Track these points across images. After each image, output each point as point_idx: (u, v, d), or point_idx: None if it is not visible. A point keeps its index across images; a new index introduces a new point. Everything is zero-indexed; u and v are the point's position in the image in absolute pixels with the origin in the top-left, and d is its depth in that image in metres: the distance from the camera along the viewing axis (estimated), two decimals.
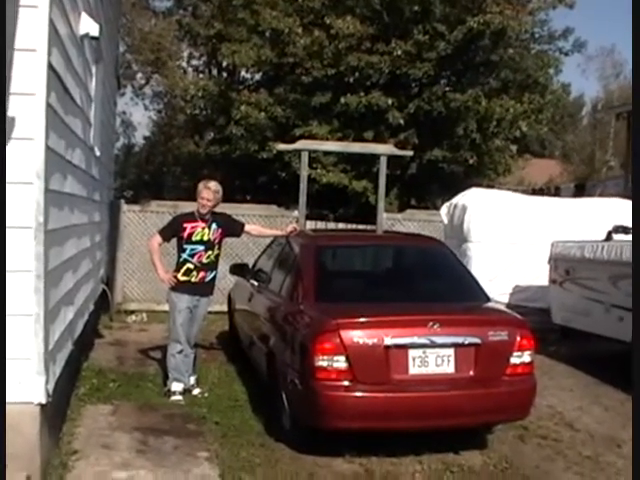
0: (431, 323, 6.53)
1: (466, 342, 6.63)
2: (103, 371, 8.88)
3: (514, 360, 6.77)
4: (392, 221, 14.52)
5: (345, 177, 19.76)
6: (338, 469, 6.45)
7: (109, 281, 12.87)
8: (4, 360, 4.86)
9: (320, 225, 14.58)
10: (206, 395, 8.27)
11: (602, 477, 6.64)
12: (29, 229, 5.05)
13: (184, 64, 29.49)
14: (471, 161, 20.36)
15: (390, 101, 19.19)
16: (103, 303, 11.61)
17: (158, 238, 8.38)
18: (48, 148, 5.24)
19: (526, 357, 6.85)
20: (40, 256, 5.13)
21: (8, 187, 4.94)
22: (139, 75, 30.14)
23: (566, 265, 11.19)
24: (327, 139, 18.83)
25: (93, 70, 8.68)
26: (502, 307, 8.24)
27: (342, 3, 19.76)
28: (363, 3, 19.52)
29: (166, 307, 10.85)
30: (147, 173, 31.88)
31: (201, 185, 8.35)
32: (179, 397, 8.08)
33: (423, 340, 6.52)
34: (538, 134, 24.06)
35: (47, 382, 5.30)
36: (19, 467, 5.07)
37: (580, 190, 24.82)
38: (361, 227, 13.47)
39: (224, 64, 26.02)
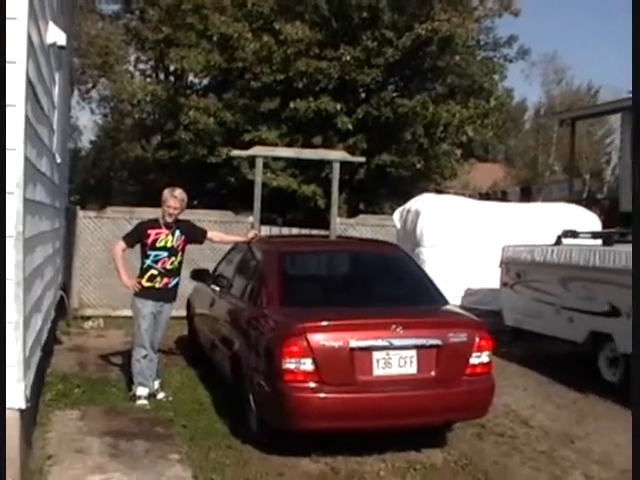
0: (394, 326, 6.77)
1: (427, 344, 6.89)
2: (67, 377, 8.96)
3: (473, 360, 7.04)
4: (345, 226, 14.78)
5: (294, 181, 20.06)
6: (305, 469, 6.65)
7: (66, 287, 12.90)
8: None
9: (275, 230, 14.76)
10: (170, 399, 8.40)
11: (557, 470, 6.93)
12: (10, 238, 5.17)
13: (131, 68, 29.48)
14: (418, 165, 20.81)
15: (339, 106, 19.54)
16: (60, 309, 11.65)
17: (122, 244, 8.49)
18: (26, 158, 5.36)
19: (484, 357, 7.12)
20: (19, 264, 5.25)
21: None
22: (86, 79, 29.95)
23: (517, 268, 11.58)
24: (276, 144, 19.10)
25: (56, 78, 8.77)
26: (460, 310, 8.52)
27: (291, 9, 20.06)
28: (312, 9, 19.80)
29: (123, 313, 11.02)
30: (93, 177, 31.67)
31: (167, 193, 8.46)
32: (145, 401, 8.21)
33: (386, 342, 6.76)
34: (483, 138, 24.57)
35: (25, 388, 5.43)
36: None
37: (526, 194, 25.42)
38: (315, 232, 13.69)
39: (172, 68, 26.05)
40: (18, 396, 5.32)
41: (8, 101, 5.11)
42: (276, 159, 18.75)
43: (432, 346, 6.90)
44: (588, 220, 13.05)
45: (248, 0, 20.33)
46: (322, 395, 6.59)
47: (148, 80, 28.11)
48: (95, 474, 6.01)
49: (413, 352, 6.85)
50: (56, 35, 7.24)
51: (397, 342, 6.78)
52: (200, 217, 13.49)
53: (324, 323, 6.78)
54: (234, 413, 7.71)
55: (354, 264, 8.90)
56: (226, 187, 21.50)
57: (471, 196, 26.62)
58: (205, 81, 24.42)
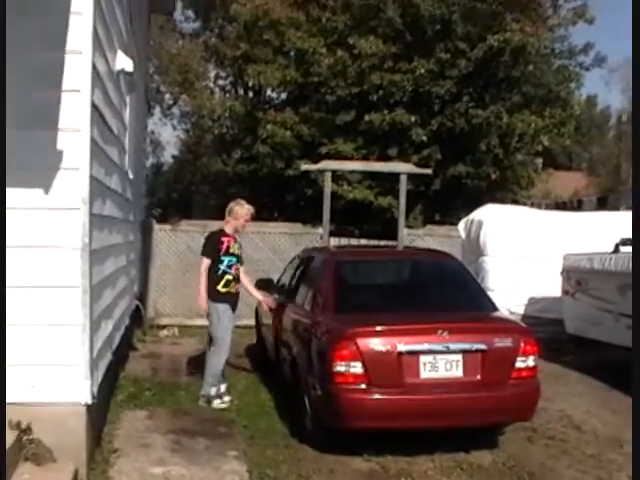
0: (440, 331, 7.21)
1: (473, 348, 7.30)
2: (139, 380, 9.63)
3: (519, 364, 7.41)
4: (413, 237, 15.22)
5: (370, 193, 20.41)
6: (356, 467, 7.10)
7: (142, 297, 13.65)
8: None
9: (344, 241, 15.24)
10: (235, 402, 8.96)
11: (603, 473, 7.20)
12: (77, 250, 5.80)
13: (211, 84, 30.23)
14: (494, 176, 20.97)
15: (413, 118, 19.85)
16: (137, 318, 12.37)
17: (206, 260, 8.99)
18: (92, 177, 6.00)
19: (530, 362, 7.48)
20: (86, 273, 5.88)
21: (58, 212, 5.73)
22: (167, 96, 31.00)
23: (577, 276, 11.83)
24: (352, 156, 19.56)
25: (127, 100, 9.48)
26: (508, 316, 8.88)
27: (365, 23, 20.47)
28: (385, 23, 20.18)
29: (196, 322, 11.61)
30: (175, 191, 32.63)
31: (246, 208, 9.11)
32: (226, 398, 8.85)
33: (433, 347, 7.20)
34: (563, 147, 24.60)
35: (92, 385, 6.05)
36: (67, 460, 5.81)
37: (602, 203, 25.31)
38: (382, 243, 14.12)
39: (250, 84, 26.74)
40: (84, 392, 5.94)
41: (73, 126, 5.76)
42: (353, 171, 19.20)
43: (477, 350, 7.30)
44: None
45: (323, 16, 20.90)
46: (371, 396, 7.07)
47: (227, 96, 28.87)
48: (157, 466, 6.60)
49: (459, 356, 7.26)
50: (124, 62, 7.91)
51: (443, 346, 7.21)
52: (271, 229, 14.19)
53: (373, 328, 7.26)
54: (294, 416, 8.22)
55: (407, 272, 9.38)
56: (304, 199, 21.97)
57: (548, 205, 26.67)
58: (282, 96, 25.08)
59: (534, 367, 7.55)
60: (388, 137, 20.42)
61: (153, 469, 6.54)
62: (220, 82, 30.25)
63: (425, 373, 7.20)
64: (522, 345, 7.44)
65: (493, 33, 19.42)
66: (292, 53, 21.60)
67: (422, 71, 19.73)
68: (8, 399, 5.54)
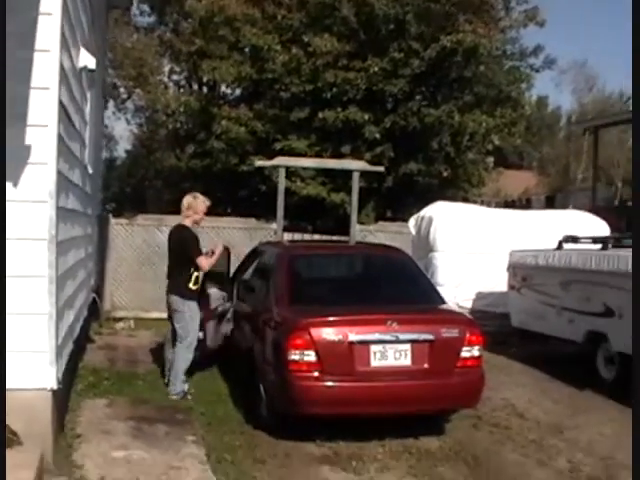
0: (390, 322, 7.65)
1: (421, 338, 7.75)
2: (97, 370, 9.92)
3: (464, 354, 7.88)
4: (365, 232, 15.65)
5: (323, 189, 20.70)
6: (310, 451, 7.52)
7: (99, 290, 13.90)
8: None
9: (298, 237, 15.61)
10: (192, 391, 9.28)
11: (544, 457, 7.71)
12: (44, 241, 6.10)
13: (165, 79, 30.20)
14: (445, 174, 21.50)
15: (366, 116, 20.18)
16: (94, 311, 12.63)
17: (203, 258, 9.27)
18: (58, 171, 6.30)
19: (475, 351, 7.95)
20: (52, 264, 6.18)
21: (26, 205, 6.03)
22: (121, 90, 31.01)
23: (522, 272, 12.38)
24: (306, 153, 19.87)
25: (88, 96, 9.75)
26: (455, 308, 9.35)
27: (320, 21, 20.73)
28: (340, 21, 20.48)
29: (152, 315, 11.95)
30: (129, 186, 32.69)
31: (201, 200, 9.37)
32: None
33: (383, 337, 7.64)
34: (514, 146, 25.20)
35: (57, 372, 6.35)
36: (34, 443, 6.08)
37: (550, 202, 26.04)
38: (335, 238, 14.52)
39: (205, 79, 26.92)
40: (50, 378, 6.24)
41: (41, 122, 6.05)
42: (306, 168, 19.53)
43: (425, 340, 7.75)
44: (596, 226, 13.77)
45: (278, 13, 21.13)
46: (324, 384, 7.49)
47: (182, 91, 28.93)
48: (119, 450, 6.92)
49: (407, 346, 7.70)
50: (87, 59, 8.22)
51: (392, 336, 7.64)
52: (225, 224, 14.53)
53: (325, 319, 7.68)
54: (248, 403, 8.59)
55: (359, 266, 9.83)
56: (257, 195, 22.25)
57: (498, 203, 27.35)
58: (237, 92, 25.27)
59: (479, 357, 8.01)
60: (342, 134, 20.73)
61: (115, 453, 6.85)
62: (175, 77, 30.26)
63: (375, 362, 7.63)
64: (467, 336, 7.90)
65: (446, 34, 19.81)
66: (247, 49, 21.78)
67: (376, 69, 20.05)
68: None
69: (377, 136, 20.34)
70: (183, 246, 9.25)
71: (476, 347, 7.96)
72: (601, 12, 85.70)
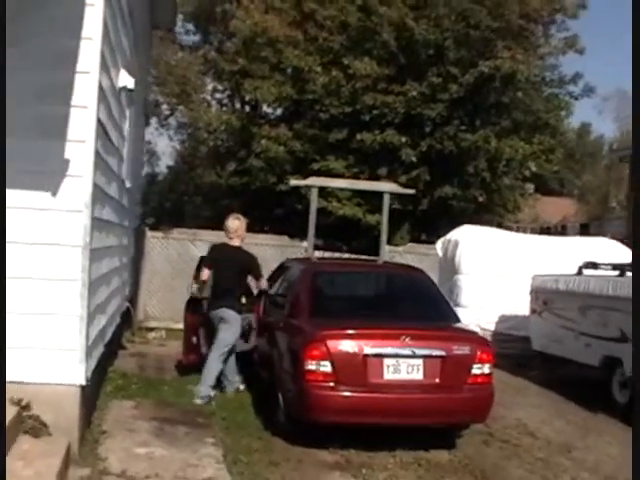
0: (404, 337, 8.10)
1: (433, 354, 8.18)
2: (127, 375, 10.48)
3: (475, 371, 8.29)
4: (394, 253, 16.12)
5: (359, 210, 21.23)
6: (322, 458, 7.95)
7: (132, 300, 14.50)
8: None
9: (328, 255, 16.09)
10: (216, 398, 9.79)
11: (549, 474, 8.05)
12: (78, 247, 6.67)
13: (208, 97, 31.00)
14: (480, 199, 21.92)
15: (403, 139, 20.77)
16: (127, 319, 13.22)
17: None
18: (94, 184, 6.88)
19: (485, 369, 8.36)
20: (85, 269, 6.74)
21: (63, 214, 6.61)
22: (164, 106, 31.83)
23: (544, 296, 12.77)
24: (343, 174, 20.41)
25: (127, 113, 10.37)
26: (468, 327, 9.79)
27: (360, 45, 21.36)
28: (380, 45, 21.08)
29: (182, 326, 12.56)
30: (169, 201, 33.32)
31: (244, 221, 10.41)
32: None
33: (397, 351, 8.09)
34: (554, 173, 25.45)
35: (86, 370, 6.90)
36: (62, 435, 6.63)
37: (585, 229, 26.30)
38: (363, 257, 14.99)
39: (247, 98, 27.57)
40: (79, 375, 6.79)
41: (79, 138, 6.64)
42: (340, 189, 20.04)
43: (437, 356, 8.19)
44: (621, 254, 14.08)
45: (320, 35, 21.79)
46: (338, 393, 7.95)
47: (224, 109, 29.64)
48: (141, 447, 7.44)
49: (420, 361, 8.14)
50: (126, 80, 8.83)
51: (406, 351, 8.10)
52: (259, 241, 15.08)
53: (342, 332, 8.16)
54: (268, 411, 9.08)
55: (378, 283, 10.33)
56: (294, 214, 22.78)
57: (533, 230, 27.61)
58: (277, 111, 25.95)
59: (489, 374, 8.41)
60: (379, 156, 21.30)
61: (137, 449, 7.37)
62: (217, 95, 31.07)
63: (388, 375, 8.08)
64: (479, 354, 8.32)
65: (485, 59, 20.34)
66: (288, 70, 22.48)
67: (414, 94, 20.64)
68: (11, 378, 6.41)
69: (414, 159, 20.88)
70: (247, 267, 10.15)
71: (487, 365, 8.36)
72: None
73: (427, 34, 20.49)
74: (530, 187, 28.81)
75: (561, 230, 28.02)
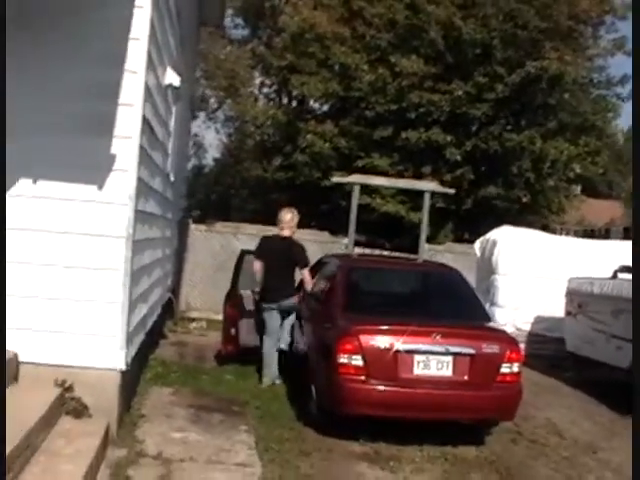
0: (435, 334, 8.37)
1: (463, 352, 8.43)
2: (167, 363, 10.89)
3: (504, 370, 8.51)
4: (433, 252, 16.37)
5: (403, 208, 21.48)
6: (352, 449, 8.23)
7: (175, 291, 14.95)
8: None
9: (368, 251, 16.39)
10: (252, 388, 10.18)
11: (573, 473, 8.23)
12: (122, 238, 7.04)
13: (256, 91, 31.50)
14: (524, 199, 22.06)
15: (449, 138, 20.98)
16: (169, 310, 13.65)
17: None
18: (138, 178, 7.24)
19: (514, 368, 8.58)
20: (128, 259, 7.12)
21: (108, 206, 6.99)
22: (212, 100, 32.34)
23: (579, 299, 12.93)
24: (387, 171, 20.68)
25: (173, 110, 10.75)
26: (499, 326, 10.03)
27: (407, 43, 21.60)
28: (427, 44, 21.29)
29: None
30: (215, 193, 33.82)
31: (297, 214, 10.91)
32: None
33: (427, 347, 8.36)
34: (602, 175, 25.43)
35: (127, 355, 7.28)
36: (102, 417, 7.02)
37: (628, 233, 26.21)
38: (402, 255, 15.26)
39: (294, 93, 27.96)
40: (120, 360, 7.17)
41: (125, 134, 7.00)
42: (379, 186, 20.27)
43: (467, 354, 8.43)
44: None
45: (367, 33, 22.06)
46: (368, 387, 8.23)
47: (271, 103, 30.13)
48: (177, 432, 7.80)
49: (450, 358, 8.40)
50: (172, 78, 9.21)
51: (436, 348, 8.37)
52: (301, 236, 15.31)
53: (374, 327, 8.44)
54: (301, 402, 9.40)
55: (413, 281, 10.60)
56: (338, 210, 23.07)
57: (576, 232, 27.62)
58: (324, 107, 26.27)
59: (518, 373, 8.64)
60: (423, 155, 21.54)
61: (173, 434, 7.74)
62: (265, 90, 31.62)
63: (418, 370, 8.35)
64: (508, 353, 8.55)
65: (532, 60, 20.45)
66: (336, 67, 22.81)
67: (460, 93, 20.84)
68: (55, 361, 6.85)
69: (458, 158, 21.08)
70: (295, 256, 10.60)
71: (516, 364, 8.58)
72: None
73: (474, 33, 20.66)
74: (576, 189, 28.78)
75: (605, 233, 27.97)
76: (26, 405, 6.30)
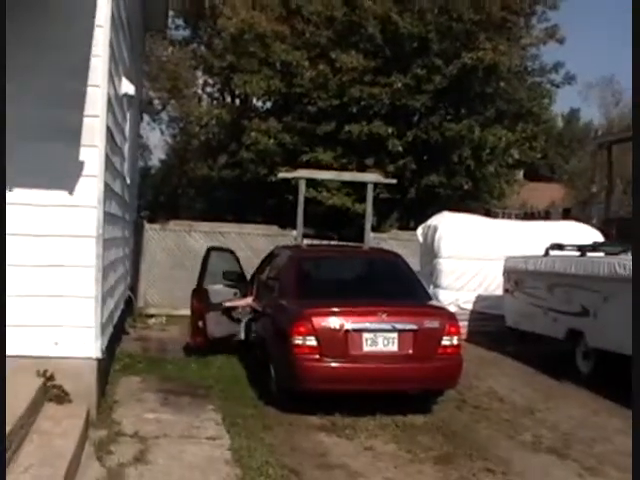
0: (380, 313, 9.36)
1: (406, 328, 9.43)
2: (132, 355, 11.73)
3: (444, 342, 9.53)
4: (379, 240, 17.41)
5: (349, 200, 22.45)
6: (310, 422, 9.14)
7: (133, 289, 15.76)
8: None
9: (317, 242, 17.37)
10: (213, 373, 11.08)
11: (512, 432, 9.26)
12: (92, 238, 7.90)
13: (199, 91, 32.21)
14: (466, 186, 23.17)
15: (390, 130, 22.03)
16: (129, 307, 14.46)
17: None
18: (105, 182, 8.11)
19: (454, 340, 9.61)
20: (99, 256, 7.97)
21: (79, 209, 7.84)
22: (156, 101, 32.90)
23: (515, 277, 14.07)
24: (332, 165, 21.67)
25: (127, 116, 11.60)
26: (438, 304, 11.10)
27: (346, 38, 22.61)
28: (366, 39, 22.33)
29: (181, 312, 13.93)
30: (163, 194, 34.54)
31: None
32: None
33: (374, 326, 9.35)
34: (543, 158, 26.57)
35: (102, 344, 8.15)
36: (82, 402, 7.87)
37: (567, 214, 27.59)
38: (349, 244, 16.25)
39: (237, 92, 28.70)
40: (96, 349, 8.03)
41: (92, 143, 7.85)
42: (324, 180, 21.20)
43: (410, 330, 9.44)
44: (590, 235, 15.41)
45: (307, 30, 23.03)
46: (322, 364, 9.19)
47: (214, 103, 30.85)
48: (150, 413, 8.69)
49: (395, 334, 9.39)
50: (127, 87, 10.08)
51: (382, 326, 9.36)
52: (250, 230, 16.39)
53: (325, 310, 9.41)
54: (261, 386, 10.33)
55: (359, 267, 11.61)
56: (286, 204, 23.92)
57: (517, 215, 28.92)
58: (267, 105, 27.15)
59: (457, 345, 9.67)
60: (366, 147, 22.53)
61: (147, 415, 8.62)
62: (208, 89, 32.22)
63: (367, 347, 9.32)
64: (447, 327, 9.58)
65: (468, 51, 21.55)
66: (277, 64, 23.72)
67: (399, 85, 21.88)
68: (36, 353, 7.69)
69: (400, 149, 22.13)
70: None
71: (455, 337, 9.61)
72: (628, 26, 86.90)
73: (411, 27, 21.71)
74: (518, 174, 30.03)
75: (545, 215, 29.29)
76: (14, 394, 7.05)
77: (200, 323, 12.03)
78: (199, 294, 12.28)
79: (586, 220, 21.55)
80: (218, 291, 12.31)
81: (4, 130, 6.91)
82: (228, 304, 12.23)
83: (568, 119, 52.34)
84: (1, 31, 6.53)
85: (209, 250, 12.83)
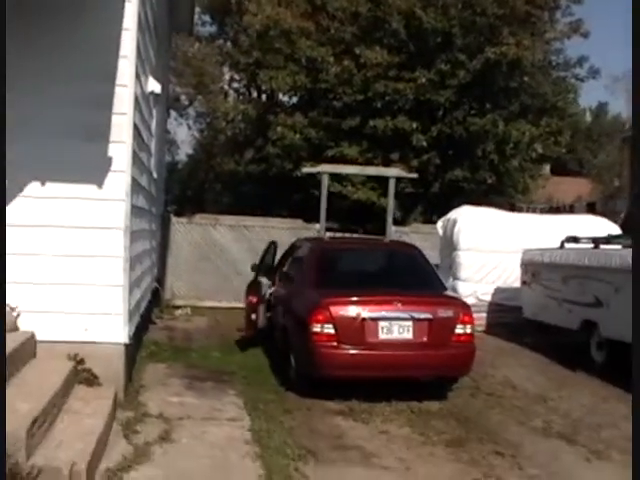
0: (395, 302, 9.85)
1: (421, 317, 9.91)
2: (158, 344, 12.30)
3: (458, 331, 10.01)
4: (400, 233, 17.87)
5: (374, 194, 22.89)
6: (328, 407, 9.62)
7: (160, 280, 16.35)
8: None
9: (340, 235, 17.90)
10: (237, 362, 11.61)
11: (523, 418, 9.69)
12: (120, 229, 8.43)
13: (226, 87, 32.68)
14: (490, 181, 23.54)
15: (414, 125, 22.47)
16: (155, 298, 15.03)
17: None
18: (132, 177, 8.64)
19: (467, 329, 10.07)
20: (127, 247, 8.50)
21: (108, 202, 8.36)
22: (183, 97, 33.50)
23: (532, 269, 14.49)
24: (357, 159, 22.11)
25: (154, 113, 12.15)
26: (453, 294, 11.56)
27: (371, 34, 23.06)
28: (390, 34, 22.77)
29: (207, 303, 14.40)
30: (190, 189, 35.13)
31: None
32: None
33: (389, 314, 9.83)
34: (569, 152, 26.84)
35: (129, 331, 8.69)
36: (110, 385, 8.40)
37: (591, 208, 27.86)
38: (370, 237, 16.75)
39: (263, 88, 29.20)
40: (124, 335, 8.57)
41: (120, 139, 8.37)
42: (347, 174, 21.65)
43: (425, 319, 9.91)
44: (608, 228, 15.78)
45: (332, 26, 23.50)
46: (340, 351, 9.68)
47: (241, 98, 31.29)
48: (174, 397, 9.23)
49: (410, 323, 9.86)
50: (154, 86, 10.62)
51: (397, 314, 9.84)
52: (274, 224, 16.90)
53: (343, 299, 9.90)
54: (282, 373, 10.83)
55: (377, 258, 12.11)
56: (311, 199, 24.34)
57: (542, 209, 29.23)
58: (293, 100, 27.63)
59: (471, 334, 10.13)
60: (391, 142, 22.98)
61: (172, 398, 9.17)
62: (234, 85, 32.67)
63: (382, 335, 9.81)
64: (461, 316, 10.06)
65: (491, 46, 21.91)
66: (302, 60, 24.16)
67: (423, 80, 22.31)
68: (67, 338, 8.23)
69: (424, 144, 22.53)
70: None
71: (468, 326, 10.08)
72: None
73: (435, 22, 22.12)
74: (545, 168, 30.28)
75: (569, 209, 29.57)
76: (46, 376, 7.65)
77: (253, 316, 12.35)
78: (253, 287, 12.69)
79: (612, 214, 21.85)
80: (265, 283, 12.67)
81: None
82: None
83: (596, 113, 52.46)
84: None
85: (271, 244, 13.23)
